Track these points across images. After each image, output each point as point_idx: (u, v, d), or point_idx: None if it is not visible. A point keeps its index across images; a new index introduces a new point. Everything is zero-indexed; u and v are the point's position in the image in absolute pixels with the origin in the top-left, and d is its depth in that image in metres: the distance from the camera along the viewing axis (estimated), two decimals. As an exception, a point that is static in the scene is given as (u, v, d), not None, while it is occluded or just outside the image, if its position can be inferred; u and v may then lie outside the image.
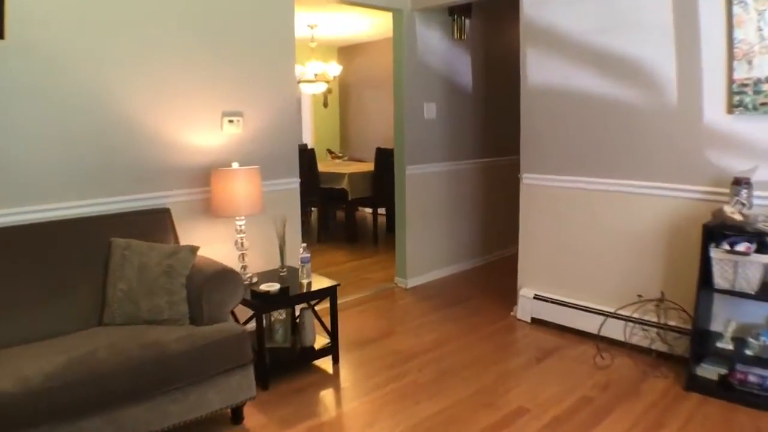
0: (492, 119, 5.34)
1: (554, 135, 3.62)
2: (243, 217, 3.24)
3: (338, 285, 3.28)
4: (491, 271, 5.22)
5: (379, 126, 8.31)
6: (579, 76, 3.44)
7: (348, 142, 8.94)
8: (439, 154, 4.85)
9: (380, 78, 8.16)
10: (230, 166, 3.27)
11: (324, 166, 6.79)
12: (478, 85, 5.16)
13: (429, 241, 4.89)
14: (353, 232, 6.56)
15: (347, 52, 8.75)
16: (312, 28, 6.66)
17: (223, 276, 2.65)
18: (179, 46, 3.21)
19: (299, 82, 6.81)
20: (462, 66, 5.00)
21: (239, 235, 3.26)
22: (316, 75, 6.63)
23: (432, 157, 4.79)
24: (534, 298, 3.81)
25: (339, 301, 4.05)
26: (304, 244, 3.26)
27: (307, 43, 6.73)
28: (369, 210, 7.50)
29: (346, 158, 7.17)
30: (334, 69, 6.80)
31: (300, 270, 3.24)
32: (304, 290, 3.17)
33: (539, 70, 3.65)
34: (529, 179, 3.78)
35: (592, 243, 3.50)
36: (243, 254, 3.28)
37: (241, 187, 3.14)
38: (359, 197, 6.27)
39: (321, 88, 6.91)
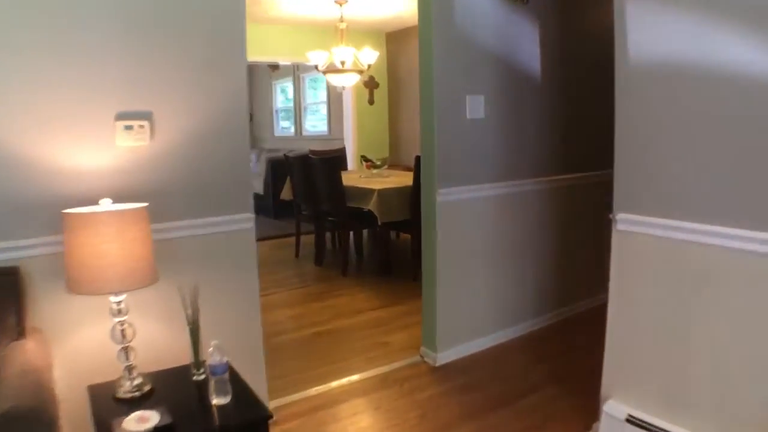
0: (570, 119, 3.77)
1: (679, 149, 2.04)
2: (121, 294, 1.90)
3: (270, 417, 1.86)
4: (562, 337, 3.66)
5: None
6: (733, 45, 1.85)
7: (398, 147, 7.52)
8: (488, 171, 3.35)
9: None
10: (96, 203, 1.94)
11: (351, 178, 5.41)
12: (548, 68, 3.60)
13: (469, 296, 3.39)
14: (386, 265, 5.14)
15: (397, 38, 7.34)
16: (341, 5, 5.28)
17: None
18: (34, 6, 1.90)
19: (325, 72, 5.46)
20: (525, 41, 3.47)
21: (117, 320, 1.92)
22: (343, 63, 5.25)
23: (477, 175, 3.30)
24: (628, 420, 2.25)
25: (334, 384, 3.06)
26: (215, 342, 1.85)
27: (335, 24, 5.37)
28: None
29: (385, 167, 5.74)
30: (368, 56, 5.41)
31: (210, 386, 1.85)
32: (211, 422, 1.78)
33: (651, 34, 2.08)
34: (628, 224, 2.22)
35: (750, 346, 1.90)
36: (126, 349, 1.94)
37: (110, 244, 1.79)
38: (393, 221, 4.84)
39: (352, 80, 5.53)
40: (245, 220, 2.51)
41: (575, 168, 3.83)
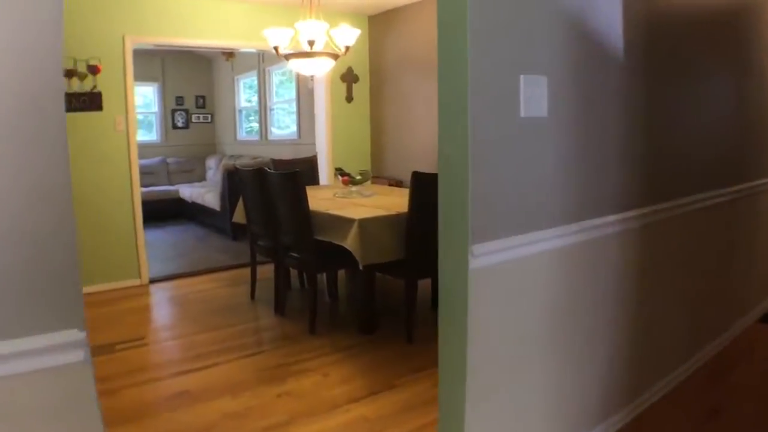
0: (675, 114, 2.43)
1: None
2: None
3: None
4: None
5: (429, 133, 5.46)
6: None
7: (382, 155, 6.13)
8: (551, 207, 1.98)
9: (431, 59, 5.31)
10: None
11: (322, 198, 4.00)
12: (636, 35, 2.25)
13: (518, 404, 2.01)
14: (369, 320, 3.74)
15: (381, 22, 5.95)
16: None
17: None
18: None
19: (288, 57, 4.04)
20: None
21: None
22: (311, 44, 3.84)
23: (536, 215, 1.92)
24: None
25: None
26: None
27: (302, -5, 3.97)
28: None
29: (368, 182, 4.34)
30: (346, 35, 4.01)
31: None
32: None
33: None
34: None
35: None
36: None
37: None
38: (379, 263, 3.45)
39: (324, 67, 4.11)
40: (68, 347, 1.10)
41: (681, 191, 2.49)
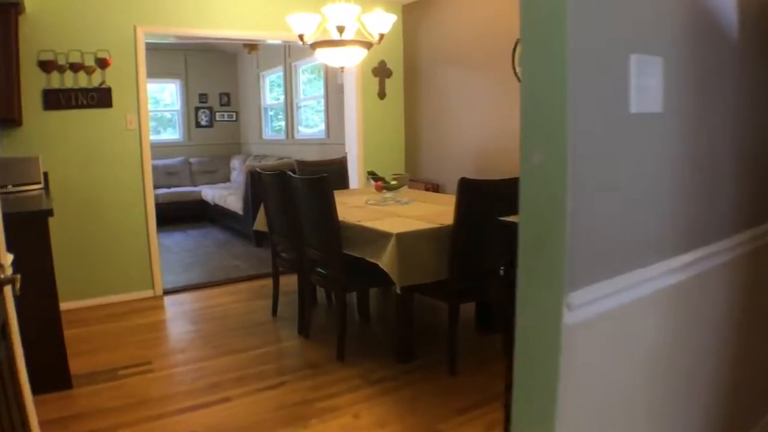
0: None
1: None
2: None
3: None
4: None
5: (471, 133, 4.96)
6: None
7: (417, 156, 5.65)
8: (664, 234, 1.47)
9: (473, 51, 4.81)
10: None
11: (353, 206, 3.53)
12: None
13: None
14: (406, 347, 3.25)
15: (418, 9, 5.46)
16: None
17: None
18: None
19: (315, 46, 3.58)
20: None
21: None
22: (341, 31, 3.36)
23: (646, 246, 1.41)
24: None
25: None
26: None
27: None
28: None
29: (404, 187, 3.85)
30: (380, 21, 3.53)
31: None
32: None
33: None
34: None
35: None
36: None
37: None
38: (419, 284, 2.96)
39: (356, 57, 3.64)
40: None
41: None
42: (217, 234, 7.35)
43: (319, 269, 3.45)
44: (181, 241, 6.96)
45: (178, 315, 4.29)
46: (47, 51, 4.10)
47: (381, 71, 5.57)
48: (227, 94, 9.50)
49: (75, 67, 4.18)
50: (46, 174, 4.05)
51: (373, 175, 3.80)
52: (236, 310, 4.29)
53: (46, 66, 4.10)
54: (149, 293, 4.68)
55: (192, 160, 8.95)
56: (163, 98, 9.29)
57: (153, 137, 9.11)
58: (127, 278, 4.58)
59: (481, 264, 2.97)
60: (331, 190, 3.10)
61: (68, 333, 3.13)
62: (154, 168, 8.49)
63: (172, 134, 9.31)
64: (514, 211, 1.55)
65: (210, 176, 8.91)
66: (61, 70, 4.16)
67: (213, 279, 5.11)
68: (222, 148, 9.42)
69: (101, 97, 4.36)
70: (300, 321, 3.73)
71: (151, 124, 9.14)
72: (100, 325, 4.02)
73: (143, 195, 4.58)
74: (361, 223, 3.07)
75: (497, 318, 3.63)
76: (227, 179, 8.86)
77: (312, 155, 7.23)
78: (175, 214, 7.98)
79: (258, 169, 3.95)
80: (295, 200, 3.39)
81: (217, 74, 9.34)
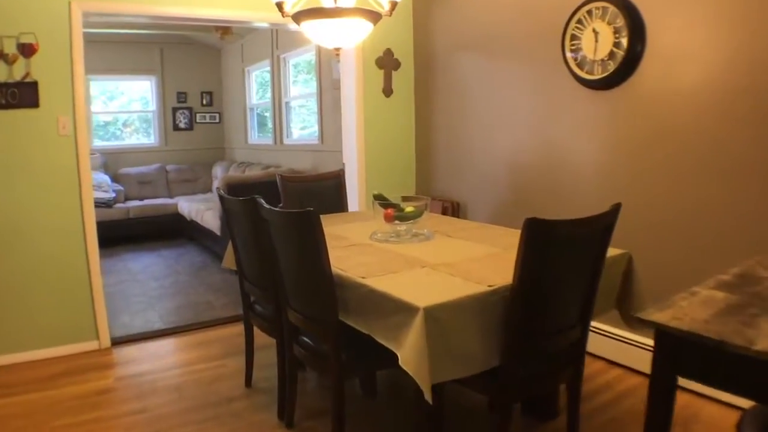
0: None
1: None
2: None
3: None
4: None
5: (505, 141, 3.92)
6: None
7: (432, 169, 4.60)
8: None
9: (508, 32, 3.78)
10: None
11: (348, 248, 2.46)
12: None
13: None
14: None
15: (431, -14, 4.42)
16: None
17: None
18: None
19: (299, 19, 2.52)
20: None
21: None
22: (337, 1, 2.32)
23: None
24: None
25: None
26: None
27: None
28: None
29: (425, 215, 2.77)
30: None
31: None
32: None
33: None
34: None
35: None
36: None
37: None
38: (459, 378, 1.91)
39: (357, 34, 2.58)
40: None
41: None
42: (194, 255, 6.28)
43: (305, 338, 2.40)
44: (150, 264, 5.91)
45: (124, 382, 3.23)
46: (-58, 31, 3.07)
47: (387, 62, 4.52)
48: (209, 93, 8.46)
49: (-17, 54, 3.16)
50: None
51: (380, 200, 2.75)
52: (200, 376, 3.24)
53: (-58, 52, 3.08)
54: (93, 345, 3.64)
55: (169, 167, 7.92)
56: (136, 97, 8.25)
57: (124, 142, 8.10)
58: (63, 326, 3.55)
59: (551, 342, 1.94)
60: (320, 230, 2.05)
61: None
62: (125, 176, 7.57)
63: (145, 138, 8.27)
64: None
65: (189, 186, 7.87)
66: (-36, 57, 3.14)
67: (178, 323, 4.08)
68: (203, 153, 8.38)
69: (25, 94, 3.35)
70: (280, 404, 2.68)
71: (126, 130, 8.09)
72: (16, 397, 2.98)
73: (81, 217, 3.54)
74: (365, 282, 2.02)
75: (549, 401, 2.60)
76: (209, 189, 7.82)
77: (304, 163, 6.19)
78: (148, 231, 6.95)
79: (221, 190, 2.91)
80: (273, 238, 2.35)
81: (198, 70, 8.30)
